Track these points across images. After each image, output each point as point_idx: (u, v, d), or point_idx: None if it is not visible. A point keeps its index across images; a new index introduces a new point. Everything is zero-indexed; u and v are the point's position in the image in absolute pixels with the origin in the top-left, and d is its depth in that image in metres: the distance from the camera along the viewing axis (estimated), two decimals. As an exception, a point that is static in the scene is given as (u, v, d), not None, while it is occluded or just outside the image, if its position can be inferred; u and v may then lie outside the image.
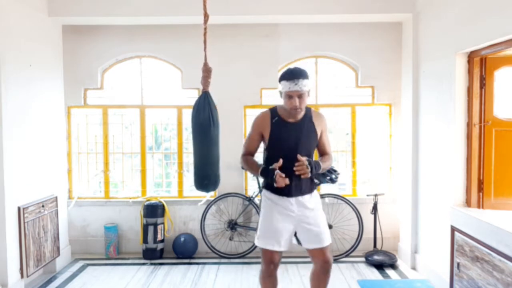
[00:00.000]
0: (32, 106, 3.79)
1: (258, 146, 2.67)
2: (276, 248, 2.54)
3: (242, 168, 2.76)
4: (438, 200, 3.60)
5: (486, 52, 2.99)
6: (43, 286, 3.79)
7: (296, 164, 2.37)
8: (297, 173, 2.38)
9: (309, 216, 2.57)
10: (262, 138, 2.63)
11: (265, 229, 2.58)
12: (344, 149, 4.75)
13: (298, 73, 2.47)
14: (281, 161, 2.42)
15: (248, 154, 2.67)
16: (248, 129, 2.94)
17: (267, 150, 2.63)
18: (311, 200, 2.61)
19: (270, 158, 2.57)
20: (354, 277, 3.90)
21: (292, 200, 2.55)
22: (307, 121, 2.60)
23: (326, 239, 2.60)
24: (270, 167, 2.46)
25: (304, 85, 2.46)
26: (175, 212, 4.66)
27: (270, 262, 2.59)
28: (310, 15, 4.21)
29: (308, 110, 2.64)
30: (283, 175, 2.39)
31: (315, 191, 2.67)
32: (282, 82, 2.51)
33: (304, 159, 2.40)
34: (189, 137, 4.70)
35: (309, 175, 2.40)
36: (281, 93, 2.56)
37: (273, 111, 2.62)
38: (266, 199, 2.63)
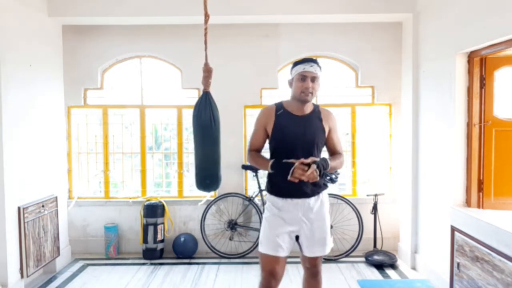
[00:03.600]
0: (32, 106, 3.79)
1: (264, 142, 2.53)
2: (279, 253, 2.38)
3: (246, 167, 2.59)
4: (438, 200, 3.60)
5: (486, 52, 2.99)
6: (43, 286, 3.79)
7: (306, 169, 2.23)
8: (305, 180, 2.24)
9: (314, 220, 2.43)
10: (267, 133, 2.49)
11: (268, 233, 2.42)
12: (344, 149, 4.73)
13: (314, 60, 2.44)
14: (296, 162, 2.28)
15: (254, 150, 2.53)
16: (251, 127, 2.72)
17: (272, 145, 2.49)
18: (318, 202, 2.45)
19: (275, 153, 2.46)
20: (354, 277, 3.90)
21: (297, 202, 2.41)
22: (314, 116, 2.48)
23: (328, 246, 2.51)
24: (284, 160, 2.31)
25: (319, 70, 2.41)
26: (175, 212, 4.66)
27: (271, 274, 2.39)
28: (310, 15, 4.21)
29: (316, 106, 2.55)
30: (304, 167, 2.23)
31: (324, 193, 2.51)
32: (297, 66, 2.42)
33: (310, 160, 2.25)
34: (189, 137, 4.70)
35: (318, 179, 2.26)
36: (290, 83, 2.49)
37: (278, 104, 2.52)
38: (269, 203, 2.49)
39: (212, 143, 2.44)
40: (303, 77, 2.38)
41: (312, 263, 2.53)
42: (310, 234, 2.43)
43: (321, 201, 2.46)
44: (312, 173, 2.22)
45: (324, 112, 2.54)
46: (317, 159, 2.28)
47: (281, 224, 2.41)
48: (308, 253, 2.48)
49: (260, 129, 2.50)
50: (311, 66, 2.38)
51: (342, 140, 2.71)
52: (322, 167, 2.27)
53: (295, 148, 2.38)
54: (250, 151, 2.54)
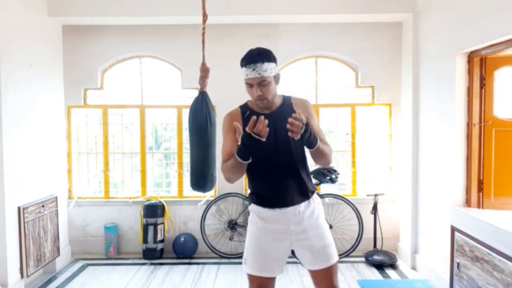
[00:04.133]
0: (32, 106, 3.79)
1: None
2: (268, 274, 2.09)
3: (228, 180, 2.12)
4: (438, 200, 3.59)
5: (486, 52, 2.99)
6: (43, 286, 3.79)
7: (293, 115, 1.81)
8: (288, 126, 1.80)
9: (308, 229, 2.08)
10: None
11: (254, 251, 2.13)
12: (344, 149, 4.75)
13: (256, 56, 1.98)
14: (254, 117, 1.83)
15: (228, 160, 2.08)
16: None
17: None
18: (309, 208, 2.11)
19: (250, 163, 1.99)
20: (354, 277, 3.90)
21: (285, 211, 2.06)
22: (286, 108, 2.09)
23: (334, 255, 2.10)
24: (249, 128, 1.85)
25: (265, 70, 1.96)
26: (175, 212, 4.66)
27: None
28: (310, 15, 4.21)
29: (286, 97, 2.18)
30: (257, 117, 1.83)
31: (314, 196, 2.16)
32: (242, 67, 2.05)
33: (303, 116, 1.84)
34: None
35: (298, 136, 1.83)
36: None
37: (243, 106, 2.21)
38: (253, 214, 2.16)
39: (208, 143, 2.43)
40: (249, 85, 2.04)
41: (325, 281, 2.10)
42: (308, 245, 2.09)
43: (312, 206, 2.12)
44: (298, 123, 1.79)
45: (297, 102, 2.16)
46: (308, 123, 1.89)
47: (269, 240, 2.09)
48: (312, 265, 2.11)
49: (230, 136, 2.10)
50: (253, 70, 1.96)
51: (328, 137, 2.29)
52: (310, 133, 1.87)
53: (272, 151, 2.01)
54: (224, 163, 2.10)
